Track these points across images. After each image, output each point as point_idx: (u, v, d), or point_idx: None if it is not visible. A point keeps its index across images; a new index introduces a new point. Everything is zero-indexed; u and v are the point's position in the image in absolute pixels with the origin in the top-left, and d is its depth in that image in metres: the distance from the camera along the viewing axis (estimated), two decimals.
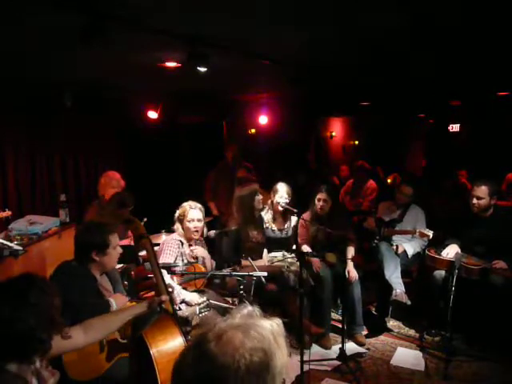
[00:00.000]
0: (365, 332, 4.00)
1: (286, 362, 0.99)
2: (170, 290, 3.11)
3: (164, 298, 2.27)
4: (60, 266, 2.49)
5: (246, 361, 0.92)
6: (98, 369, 2.23)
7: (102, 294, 2.48)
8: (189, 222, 3.42)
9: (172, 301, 2.41)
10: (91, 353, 2.21)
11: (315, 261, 3.90)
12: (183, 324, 2.95)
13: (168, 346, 2.21)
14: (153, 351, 2.14)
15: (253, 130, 7.69)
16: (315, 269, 3.88)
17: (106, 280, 2.61)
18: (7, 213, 3.49)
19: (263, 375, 0.93)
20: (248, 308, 1.04)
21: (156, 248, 3.67)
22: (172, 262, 3.29)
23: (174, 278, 3.26)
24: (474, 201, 3.69)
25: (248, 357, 0.92)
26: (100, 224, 2.63)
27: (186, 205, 3.48)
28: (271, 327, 1.00)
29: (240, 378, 0.91)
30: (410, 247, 4.24)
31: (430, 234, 3.93)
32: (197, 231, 3.46)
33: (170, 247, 3.35)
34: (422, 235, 4.00)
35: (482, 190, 3.66)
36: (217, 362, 0.92)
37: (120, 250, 2.57)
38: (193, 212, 3.44)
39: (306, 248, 4.01)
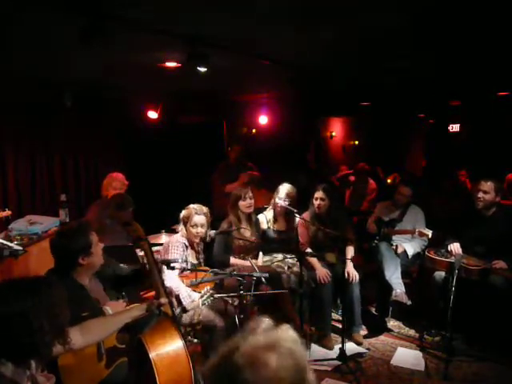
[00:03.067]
0: (364, 332, 4.01)
1: (308, 369, 0.97)
2: (177, 292, 3.12)
3: (163, 300, 2.25)
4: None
5: (287, 382, 0.88)
6: (97, 377, 2.19)
7: (95, 300, 2.39)
8: (192, 226, 3.42)
9: (171, 304, 2.39)
10: (89, 362, 2.17)
11: (322, 272, 3.85)
12: (183, 323, 2.95)
13: (167, 349, 2.19)
14: (152, 355, 2.12)
15: (253, 130, 7.68)
16: (322, 279, 3.83)
17: (95, 282, 2.51)
18: (7, 212, 3.49)
19: None
20: (262, 321, 1.01)
21: (158, 248, 3.68)
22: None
23: (184, 280, 3.26)
24: (480, 195, 3.68)
25: (288, 377, 0.89)
26: (76, 226, 2.50)
27: (192, 208, 3.46)
28: (291, 337, 0.98)
29: None
30: (410, 247, 4.24)
31: (430, 233, 3.93)
32: (198, 236, 3.46)
33: (176, 248, 3.34)
34: (422, 235, 4.00)
35: (489, 186, 3.67)
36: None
37: (102, 245, 2.47)
38: (197, 217, 3.42)
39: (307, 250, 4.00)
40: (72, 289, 2.29)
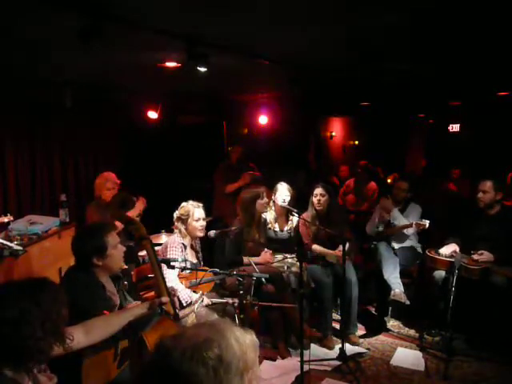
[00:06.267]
0: (363, 332, 4.02)
1: (247, 360, 0.97)
2: (173, 292, 3.12)
3: (164, 299, 2.25)
4: (67, 274, 2.43)
5: (196, 352, 0.92)
6: (108, 376, 2.22)
7: (112, 302, 2.41)
8: (196, 221, 3.42)
9: (173, 302, 2.40)
10: (106, 361, 2.19)
11: (330, 253, 3.92)
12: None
13: None
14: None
15: (252, 130, 7.68)
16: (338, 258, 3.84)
17: (110, 283, 2.51)
18: (9, 218, 3.46)
19: (216, 368, 0.92)
20: (218, 318, 1.08)
21: (157, 248, 3.68)
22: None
23: (183, 282, 3.26)
24: (480, 195, 3.76)
25: (199, 349, 0.93)
26: (93, 227, 2.53)
27: (189, 205, 3.46)
28: (236, 329, 1.01)
29: (192, 371, 0.91)
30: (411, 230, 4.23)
31: (426, 223, 3.95)
32: (203, 230, 3.48)
33: (175, 249, 3.34)
34: (419, 226, 4.01)
35: (488, 185, 3.73)
36: (170, 356, 0.92)
37: (123, 248, 2.49)
38: (198, 211, 3.45)
39: (316, 248, 4.01)
40: (90, 284, 2.32)
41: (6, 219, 3.42)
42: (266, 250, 3.93)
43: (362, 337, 3.96)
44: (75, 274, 2.38)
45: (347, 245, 4.00)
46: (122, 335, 2.18)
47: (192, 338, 0.95)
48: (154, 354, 0.98)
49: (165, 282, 2.46)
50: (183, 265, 3.19)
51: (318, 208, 4.06)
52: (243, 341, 0.99)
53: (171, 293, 2.50)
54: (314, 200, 4.07)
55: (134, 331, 2.23)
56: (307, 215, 4.12)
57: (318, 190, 4.07)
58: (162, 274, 2.49)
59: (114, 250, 2.40)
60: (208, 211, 3.81)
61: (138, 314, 2.16)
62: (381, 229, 4.36)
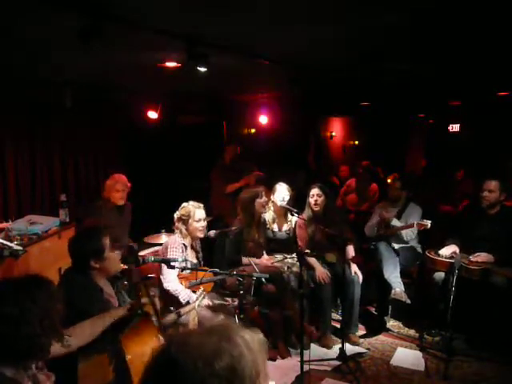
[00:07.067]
0: (363, 332, 4.01)
1: (258, 366, 0.92)
2: (176, 295, 3.13)
3: (144, 300, 2.28)
4: (64, 276, 2.42)
5: (207, 363, 0.86)
6: (104, 379, 2.20)
7: (110, 304, 2.41)
8: (197, 221, 3.42)
9: (154, 303, 2.40)
10: (102, 365, 2.18)
11: (321, 272, 3.86)
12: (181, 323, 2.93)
13: (144, 348, 2.15)
14: (128, 356, 2.09)
15: (252, 130, 7.68)
16: (321, 279, 3.83)
17: (108, 285, 2.53)
18: (9, 224, 3.44)
19: (229, 379, 0.87)
20: (225, 318, 1.03)
21: (157, 248, 3.68)
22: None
23: (183, 282, 3.26)
24: (485, 194, 3.76)
25: (210, 360, 0.87)
26: (90, 229, 2.53)
27: (190, 205, 3.46)
28: (244, 333, 0.95)
29: (204, 382, 0.85)
30: (411, 233, 4.24)
31: (428, 223, 3.96)
32: (203, 230, 3.48)
33: (175, 250, 3.34)
34: (421, 226, 4.02)
35: (494, 185, 3.75)
36: (176, 366, 0.87)
37: (118, 251, 2.50)
38: (199, 212, 3.44)
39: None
40: (88, 287, 2.32)
41: (5, 225, 3.40)
42: (265, 256, 3.94)
43: (362, 337, 3.96)
44: (73, 275, 2.37)
45: (349, 246, 4.05)
46: (102, 345, 2.15)
47: (202, 347, 0.89)
48: (158, 357, 0.93)
49: (145, 284, 2.48)
50: (183, 265, 3.19)
51: (314, 209, 4.05)
52: (253, 346, 0.94)
53: (152, 294, 2.49)
54: (311, 200, 4.06)
55: (113, 333, 2.22)
56: (304, 216, 4.11)
57: (315, 191, 4.06)
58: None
59: (111, 252, 2.41)
60: (207, 211, 3.81)
61: (120, 316, 2.18)
62: (380, 232, 4.36)
